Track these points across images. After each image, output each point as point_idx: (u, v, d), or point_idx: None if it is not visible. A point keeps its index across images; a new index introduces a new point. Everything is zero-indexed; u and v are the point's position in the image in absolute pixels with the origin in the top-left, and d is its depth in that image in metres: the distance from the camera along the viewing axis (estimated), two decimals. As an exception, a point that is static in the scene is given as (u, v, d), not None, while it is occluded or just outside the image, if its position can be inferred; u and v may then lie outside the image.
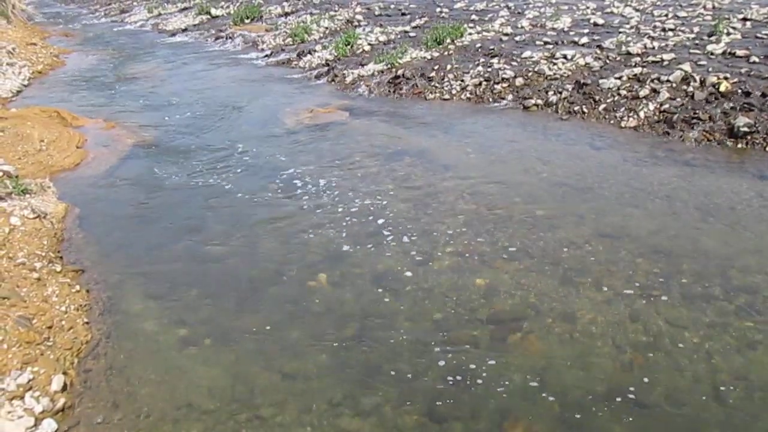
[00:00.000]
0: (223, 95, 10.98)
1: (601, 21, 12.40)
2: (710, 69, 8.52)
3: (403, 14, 16.13)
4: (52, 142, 7.95)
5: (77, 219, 5.86)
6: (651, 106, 8.04)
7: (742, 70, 8.29)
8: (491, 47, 11.35)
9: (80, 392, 3.56)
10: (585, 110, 8.54)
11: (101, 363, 3.81)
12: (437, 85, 10.33)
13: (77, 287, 4.59)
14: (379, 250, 5.04)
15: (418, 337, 3.98)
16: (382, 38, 13.60)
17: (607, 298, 4.26)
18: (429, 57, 11.56)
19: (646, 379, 3.51)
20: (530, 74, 9.80)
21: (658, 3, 13.64)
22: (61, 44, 18.57)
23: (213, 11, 21.57)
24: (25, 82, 12.41)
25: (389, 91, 10.61)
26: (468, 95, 9.88)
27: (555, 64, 9.91)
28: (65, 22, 26.07)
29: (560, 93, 9.03)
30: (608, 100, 8.48)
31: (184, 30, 20.32)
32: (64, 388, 3.53)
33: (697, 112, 7.60)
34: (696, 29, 10.70)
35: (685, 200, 5.73)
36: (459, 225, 5.41)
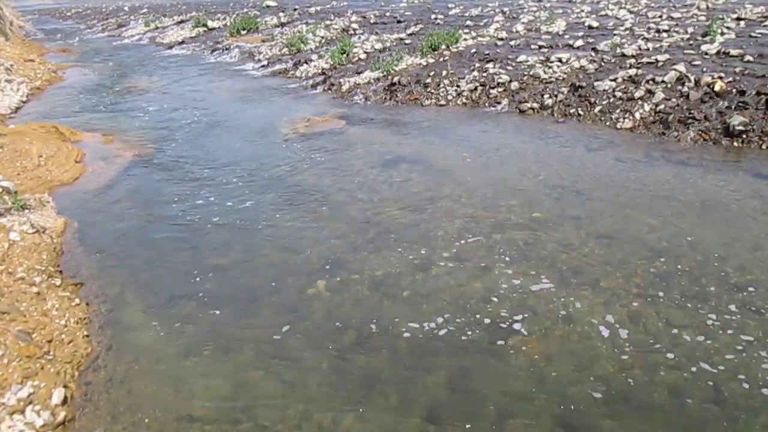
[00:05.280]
0: (220, 107, 11.04)
1: (595, 24, 12.47)
2: (705, 69, 8.56)
3: (399, 21, 16.22)
4: (50, 157, 7.98)
5: (76, 233, 5.87)
6: (646, 107, 8.07)
7: (737, 69, 8.32)
8: (486, 52, 11.40)
9: (81, 405, 3.56)
10: (581, 112, 8.57)
11: (101, 376, 3.81)
12: (433, 91, 10.37)
13: (77, 300, 4.59)
14: (377, 256, 5.05)
15: (418, 341, 3.98)
16: (378, 46, 13.67)
17: (605, 300, 4.26)
18: (425, 63, 11.61)
19: (646, 380, 3.50)
20: (525, 78, 9.84)
21: (652, 4, 13.71)
22: (59, 60, 18.68)
23: (209, 23, 21.72)
24: (24, 98, 12.46)
25: (385, 98, 10.66)
26: (464, 100, 9.92)
27: (550, 67, 9.96)
28: (63, 38, 26.23)
29: (556, 96, 9.07)
30: (604, 102, 8.51)
31: (181, 43, 20.44)
32: (65, 401, 3.53)
33: (693, 111, 7.63)
34: (690, 30, 10.75)
35: (682, 200, 5.74)
36: (456, 229, 5.42)
